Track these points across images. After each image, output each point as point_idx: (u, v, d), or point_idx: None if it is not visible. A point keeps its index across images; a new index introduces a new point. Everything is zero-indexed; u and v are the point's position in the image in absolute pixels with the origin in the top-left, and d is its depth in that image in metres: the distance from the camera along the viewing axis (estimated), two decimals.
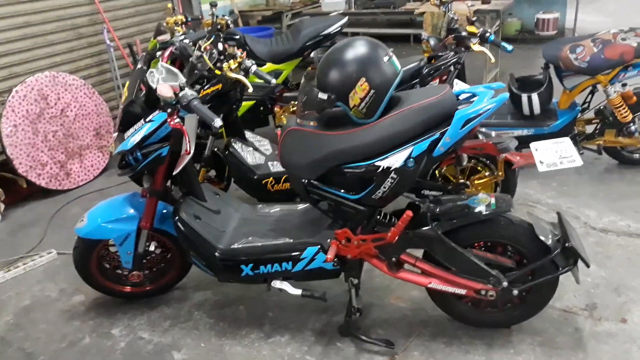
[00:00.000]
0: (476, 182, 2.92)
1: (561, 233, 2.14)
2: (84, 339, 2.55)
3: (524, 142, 3.04)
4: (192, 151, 2.14)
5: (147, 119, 2.27)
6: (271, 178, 3.09)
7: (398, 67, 2.04)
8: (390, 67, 2.00)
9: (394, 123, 1.97)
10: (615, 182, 3.59)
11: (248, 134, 3.33)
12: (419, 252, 2.26)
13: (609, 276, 2.68)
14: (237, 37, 3.81)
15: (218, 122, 1.92)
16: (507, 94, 2.02)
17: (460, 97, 2.08)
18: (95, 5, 4.74)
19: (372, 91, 1.97)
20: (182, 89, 2.02)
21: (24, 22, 4.26)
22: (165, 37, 2.67)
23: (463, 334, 2.37)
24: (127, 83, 2.50)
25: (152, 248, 2.55)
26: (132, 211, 2.49)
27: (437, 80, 3.26)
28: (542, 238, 2.09)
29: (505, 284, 2.14)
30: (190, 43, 2.30)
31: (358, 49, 1.99)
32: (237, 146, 3.17)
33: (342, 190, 2.11)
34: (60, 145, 4.09)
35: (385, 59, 2.00)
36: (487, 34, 3.37)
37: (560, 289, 2.28)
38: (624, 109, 3.46)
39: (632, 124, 3.48)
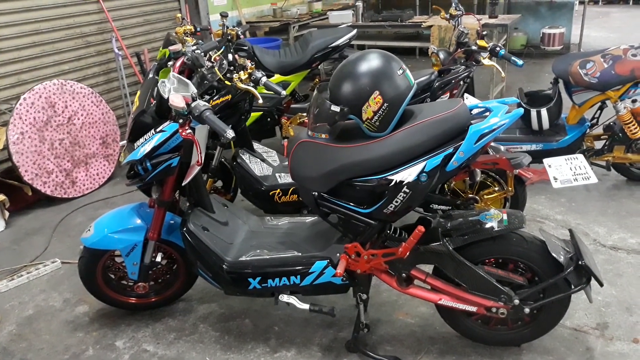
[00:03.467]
0: (485, 197, 2.90)
1: (574, 251, 2.11)
2: (87, 351, 2.51)
3: (533, 158, 3.02)
4: (202, 162, 2.12)
5: (158, 129, 2.26)
6: (278, 190, 3.07)
7: (412, 80, 2.02)
8: (404, 81, 1.98)
9: (407, 137, 1.95)
10: (625, 199, 3.57)
11: (256, 145, 3.31)
12: (429, 268, 2.23)
13: (620, 295, 2.64)
14: (246, 47, 3.81)
15: (230, 133, 1.90)
16: (521, 110, 2.00)
17: (474, 112, 2.06)
18: (104, 14, 4.76)
19: (385, 104, 1.95)
20: (194, 99, 2.01)
21: (33, 30, 4.28)
22: (177, 47, 2.66)
23: (472, 352, 2.34)
24: (139, 92, 2.49)
25: (158, 259, 2.52)
26: (139, 222, 2.46)
27: (448, 94, 3.25)
28: (554, 255, 2.06)
29: (516, 301, 2.11)
30: (202, 53, 2.29)
31: (372, 61, 1.98)
32: (245, 157, 3.15)
33: (353, 204, 2.08)
34: (66, 153, 4.08)
35: (399, 72, 1.98)
36: (498, 49, 3.36)
37: (571, 307, 2.25)
38: (633, 125, 3.46)
39: None
